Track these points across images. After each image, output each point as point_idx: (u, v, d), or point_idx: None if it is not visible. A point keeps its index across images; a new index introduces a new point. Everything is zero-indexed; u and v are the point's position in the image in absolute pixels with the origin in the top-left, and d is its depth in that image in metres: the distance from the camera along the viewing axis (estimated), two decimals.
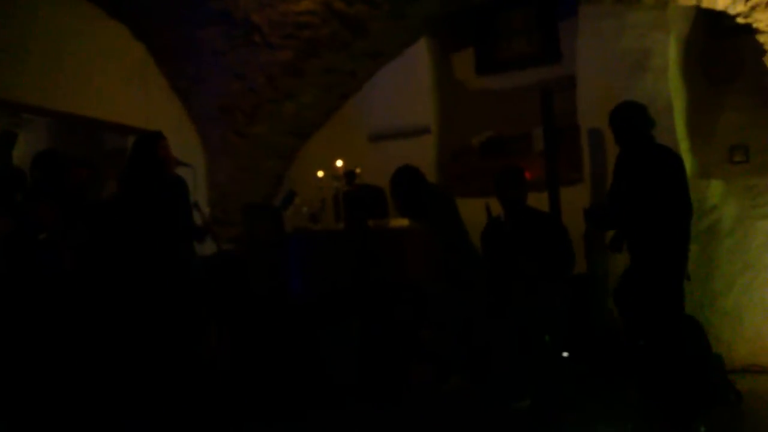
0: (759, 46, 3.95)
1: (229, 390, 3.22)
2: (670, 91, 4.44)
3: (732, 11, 3.87)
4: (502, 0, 5.24)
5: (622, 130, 3.31)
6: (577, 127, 4.81)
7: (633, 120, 3.28)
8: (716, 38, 4.70)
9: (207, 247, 3.90)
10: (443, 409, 3.15)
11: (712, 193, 4.36)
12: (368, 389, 3.31)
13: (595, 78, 4.74)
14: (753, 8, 3.75)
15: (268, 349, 3.48)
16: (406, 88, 5.36)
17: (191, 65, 4.99)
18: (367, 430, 2.97)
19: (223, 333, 3.59)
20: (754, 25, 3.84)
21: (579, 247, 3.84)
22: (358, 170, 3.91)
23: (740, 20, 3.88)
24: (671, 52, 4.51)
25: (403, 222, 3.62)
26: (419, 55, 5.39)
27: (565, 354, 3.45)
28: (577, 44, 4.91)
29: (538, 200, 4.00)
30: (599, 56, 4.76)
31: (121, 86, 4.83)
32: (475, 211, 3.94)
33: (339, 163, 3.97)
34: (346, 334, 3.61)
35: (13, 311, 2.82)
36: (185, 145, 4.94)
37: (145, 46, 5.00)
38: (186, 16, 4.65)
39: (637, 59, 4.54)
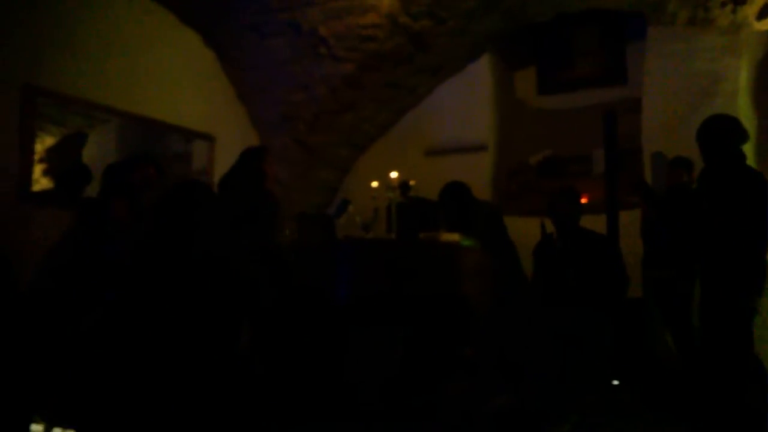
0: None
1: (258, 390, 3.24)
2: (739, 117, 4.29)
3: None
4: (567, 19, 5.20)
5: (712, 145, 3.07)
6: (640, 150, 4.70)
7: (728, 135, 3.05)
8: None
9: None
10: (480, 429, 3.09)
11: None
12: (403, 403, 3.29)
13: (661, 101, 4.64)
14: None
15: (304, 352, 3.50)
16: (465, 105, 5.37)
17: (257, 74, 5.14)
18: None
19: (260, 334, 3.63)
20: None
21: (635, 272, 3.73)
22: (412, 182, 3.92)
23: None
24: (742, 78, 4.37)
25: (454, 237, 3.60)
26: (481, 72, 5.40)
27: (615, 382, 3.34)
28: (645, 66, 4.81)
29: (596, 223, 3.93)
30: (667, 79, 4.66)
31: (190, 92, 5.02)
32: (528, 231, 3.90)
33: (394, 174, 3.99)
34: (387, 344, 3.60)
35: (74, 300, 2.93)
36: None
37: (214, 54, 5.19)
38: (256, 26, 4.81)
39: (706, 83, 4.42)
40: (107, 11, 4.41)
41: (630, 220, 4.13)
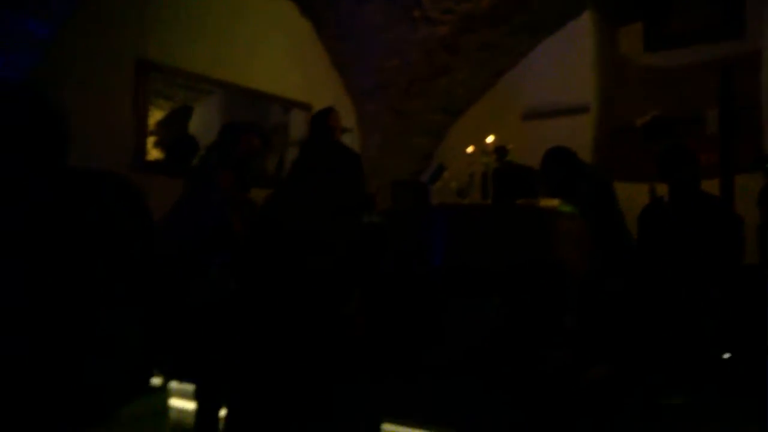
0: None
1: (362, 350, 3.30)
2: None
3: None
4: None
5: None
6: (758, 108, 4.34)
7: None
8: None
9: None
10: (581, 399, 3.02)
11: None
12: (500, 369, 3.26)
13: None
14: None
15: (401, 315, 3.54)
16: (565, 65, 5.14)
17: (351, 42, 5.16)
18: (492, 411, 2.92)
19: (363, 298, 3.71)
20: None
21: (751, 239, 3.48)
22: (510, 146, 3.83)
23: None
24: None
25: (554, 203, 3.50)
26: (582, 30, 5.14)
27: (727, 355, 3.16)
28: (765, 17, 4.40)
29: (709, 188, 3.69)
30: None
31: (287, 61, 5.13)
32: (634, 196, 3.72)
33: (490, 138, 3.92)
34: (483, 311, 3.58)
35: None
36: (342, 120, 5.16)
37: (310, 23, 5.26)
38: None
39: None
40: None
41: (744, 183, 3.85)
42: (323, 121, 4.06)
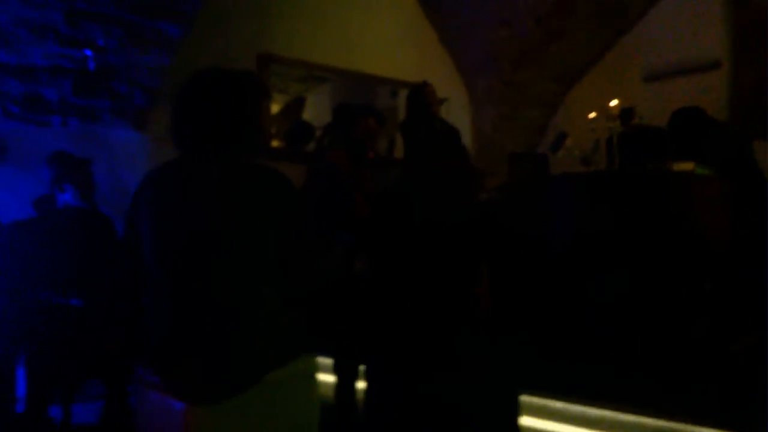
0: None
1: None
2: None
3: None
4: None
5: None
6: None
7: None
8: None
9: None
10: (727, 369, 2.83)
11: None
12: (634, 343, 3.12)
13: None
14: None
15: (528, 292, 3.46)
16: (689, 19, 4.78)
17: (459, 16, 5.09)
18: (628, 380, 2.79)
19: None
20: None
21: None
22: (636, 108, 3.64)
23: None
24: None
25: (688, 166, 3.28)
26: None
27: None
28: None
29: None
30: None
31: (396, 42, 5.15)
32: None
33: (613, 102, 3.74)
34: (613, 285, 3.43)
35: None
36: (453, 96, 5.12)
37: (416, 1, 5.24)
38: None
39: None
40: None
41: None
42: (418, 97, 4.00)
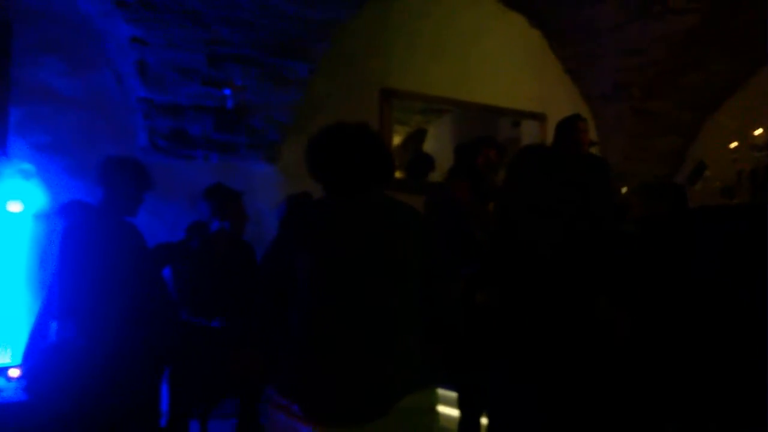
0: None
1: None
2: None
3: None
4: None
5: None
6: None
7: None
8: None
9: None
10: None
11: None
12: None
13: None
14: None
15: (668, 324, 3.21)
16: None
17: (584, 45, 4.96)
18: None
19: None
20: None
21: None
22: None
23: None
24: None
25: None
26: None
27: None
28: None
29: None
30: None
31: (518, 74, 5.11)
32: None
33: (758, 131, 3.46)
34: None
35: None
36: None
37: (540, 33, 5.19)
38: None
39: None
40: (438, 9, 4.75)
41: None
42: (570, 130, 3.80)
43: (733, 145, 3.56)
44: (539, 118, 5.20)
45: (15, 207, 3.51)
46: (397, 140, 6.32)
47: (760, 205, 3.14)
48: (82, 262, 2.54)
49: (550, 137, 5.01)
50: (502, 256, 2.73)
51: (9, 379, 3.19)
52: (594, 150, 4.77)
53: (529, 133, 5.37)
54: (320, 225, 1.79)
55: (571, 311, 2.40)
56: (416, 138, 6.81)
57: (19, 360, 3.29)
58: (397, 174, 5.14)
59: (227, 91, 3.69)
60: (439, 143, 6.35)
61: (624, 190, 4.02)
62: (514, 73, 5.07)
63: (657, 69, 4.67)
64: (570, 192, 3.35)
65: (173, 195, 3.74)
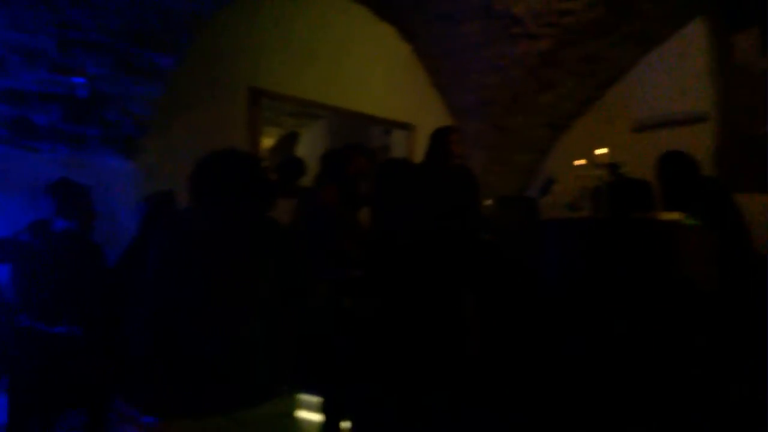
0: None
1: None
2: None
3: None
4: None
5: None
6: None
7: None
8: None
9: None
10: (724, 419, 2.80)
11: None
12: (630, 388, 3.09)
13: None
14: None
15: (514, 334, 3.44)
16: (677, 74, 4.91)
17: (451, 61, 5.18)
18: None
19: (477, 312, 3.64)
20: None
21: None
22: (621, 163, 3.69)
23: None
24: None
25: (675, 216, 3.31)
26: (694, 37, 4.90)
27: None
28: None
29: None
30: None
31: (388, 84, 5.22)
32: (756, 209, 3.47)
33: (601, 151, 3.78)
34: (602, 333, 3.42)
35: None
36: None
37: (410, 46, 5.34)
38: (448, 13, 4.84)
39: None
40: (313, 14, 4.73)
41: None
42: (443, 141, 3.96)
43: (579, 162, 3.85)
44: (408, 128, 5.34)
45: None
46: (269, 142, 6.21)
47: (598, 218, 3.44)
48: None
49: (418, 147, 5.18)
50: (378, 265, 2.77)
51: None
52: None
53: (399, 143, 5.50)
54: (181, 233, 1.85)
55: (439, 316, 2.48)
56: (289, 141, 6.73)
57: None
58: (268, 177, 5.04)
59: (79, 80, 3.41)
60: (312, 148, 6.32)
61: (488, 202, 4.23)
62: (385, 83, 5.18)
63: (515, 88, 4.98)
64: (440, 203, 3.49)
65: (15, 189, 3.40)
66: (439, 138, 3.99)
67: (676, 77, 4.90)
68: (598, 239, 3.26)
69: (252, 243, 1.85)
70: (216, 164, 1.99)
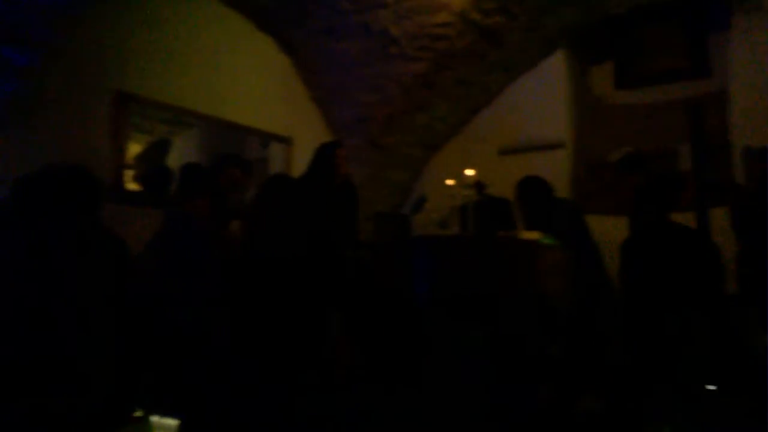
0: None
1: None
2: None
3: None
4: (644, 11, 5.02)
5: None
6: (729, 145, 4.49)
7: None
8: None
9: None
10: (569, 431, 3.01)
11: None
12: (487, 400, 3.23)
13: (750, 93, 4.41)
14: None
15: (385, 345, 3.51)
16: (540, 101, 5.27)
17: (331, 77, 5.21)
18: None
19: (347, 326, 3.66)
20: None
21: (729, 271, 3.55)
22: (487, 182, 3.89)
23: None
24: None
25: (534, 235, 3.53)
26: (555, 68, 5.29)
27: (712, 387, 3.18)
28: (730, 57, 4.59)
29: (684, 221, 3.77)
30: (755, 70, 4.43)
31: (266, 95, 5.15)
32: (608, 230, 3.79)
33: (469, 172, 3.96)
34: (468, 343, 3.56)
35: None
36: None
37: (289, 59, 5.31)
38: (329, 29, 4.88)
39: None
40: (187, 19, 4.57)
41: (719, 216, 3.95)
42: (329, 156, 3.98)
43: (449, 182, 4.01)
44: (286, 141, 5.29)
45: None
46: (136, 149, 5.90)
47: (465, 236, 3.59)
48: None
49: (296, 161, 5.15)
50: (248, 279, 2.71)
51: None
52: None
53: (277, 156, 5.43)
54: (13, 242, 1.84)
55: (301, 335, 2.46)
56: (159, 149, 6.42)
57: None
58: (134, 186, 4.78)
59: None
60: (184, 157, 6.07)
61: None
62: (263, 94, 5.10)
63: (392, 108, 5.11)
64: (323, 221, 3.47)
65: None
66: (325, 153, 3.98)
67: (539, 105, 5.26)
68: (464, 256, 3.40)
69: (73, 252, 1.88)
70: (38, 178, 2.06)
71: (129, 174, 4.60)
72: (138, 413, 2.28)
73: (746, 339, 3.24)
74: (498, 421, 3.01)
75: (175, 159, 6.22)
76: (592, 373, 3.27)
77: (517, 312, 3.35)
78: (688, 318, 3.03)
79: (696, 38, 5.06)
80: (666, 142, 4.83)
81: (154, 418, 2.34)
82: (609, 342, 3.25)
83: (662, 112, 4.94)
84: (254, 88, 5.04)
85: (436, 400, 3.09)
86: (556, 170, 4.89)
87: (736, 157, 4.41)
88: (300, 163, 4.88)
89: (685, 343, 2.95)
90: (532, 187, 3.83)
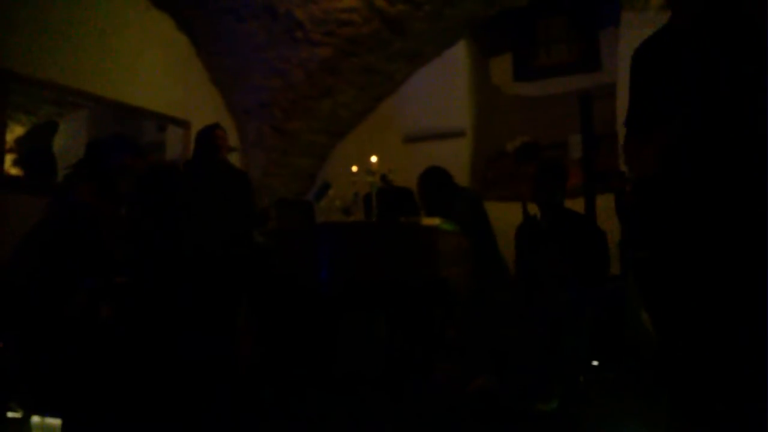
0: None
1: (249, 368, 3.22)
2: None
3: None
4: (540, 7, 5.22)
5: None
6: (616, 135, 4.76)
7: None
8: None
9: None
10: (465, 409, 3.11)
11: None
12: (390, 383, 3.30)
13: None
14: None
15: (290, 333, 3.50)
16: (442, 91, 5.37)
17: (232, 59, 5.07)
18: (383, 422, 2.94)
19: (252, 317, 3.62)
20: None
21: (613, 256, 3.78)
22: (390, 170, 3.93)
23: None
24: None
25: (435, 221, 3.61)
26: (458, 58, 5.41)
27: (595, 363, 3.39)
28: (618, 52, 4.87)
29: (573, 207, 3.97)
30: None
31: (164, 77, 4.93)
32: (507, 216, 3.92)
33: (373, 159, 3.98)
34: (371, 327, 3.62)
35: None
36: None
37: (188, 38, 5.10)
38: (232, 9, 4.73)
39: None
40: None
41: (606, 203, 4.19)
42: (209, 138, 3.93)
43: (354, 169, 4.02)
44: (184, 125, 5.10)
45: None
46: (19, 130, 5.49)
47: (368, 222, 3.63)
48: None
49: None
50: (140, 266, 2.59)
51: None
52: (234, 156, 4.91)
53: (174, 140, 5.22)
54: None
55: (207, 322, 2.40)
56: (44, 131, 6.00)
57: None
58: (17, 173, 4.46)
59: None
60: (72, 140, 5.71)
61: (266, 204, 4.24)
62: (158, 75, 4.88)
63: (295, 93, 5.04)
64: (212, 205, 3.38)
65: None
66: (205, 136, 3.96)
67: (441, 94, 5.36)
68: (367, 242, 3.43)
69: None
70: None
71: (9, 158, 4.30)
72: (16, 413, 2.14)
73: (627, 317, 3.47)
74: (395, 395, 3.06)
75: (63, 142, 5.85)
76: (487, 353, 3.39)
77: (418, 296, 3.42)
78: (572, 298, 3.21)
79: (587, 33, 5.32)
80: (560, 132, 5.06)
81: (35, 419, 2.20)
82: (504, 322, 3.39)
83: (556, 104, 5.16)
84: (150, 69, 4.81)
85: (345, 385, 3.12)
86: (457, 158, 5.02)
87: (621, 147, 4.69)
88: None
89: (569, 321, 3.13)
90: (433, 176, 3.94)
